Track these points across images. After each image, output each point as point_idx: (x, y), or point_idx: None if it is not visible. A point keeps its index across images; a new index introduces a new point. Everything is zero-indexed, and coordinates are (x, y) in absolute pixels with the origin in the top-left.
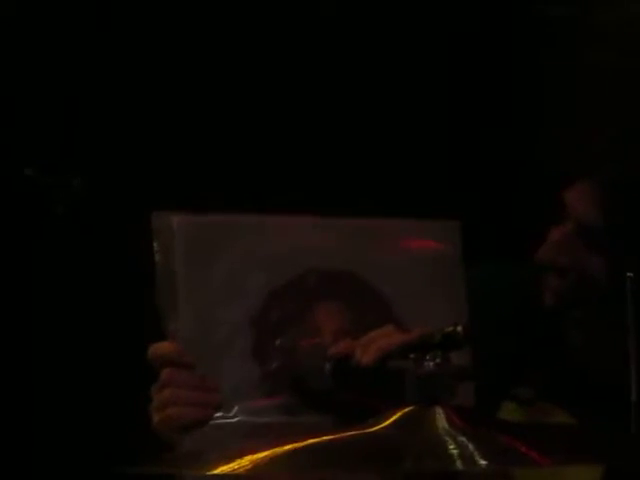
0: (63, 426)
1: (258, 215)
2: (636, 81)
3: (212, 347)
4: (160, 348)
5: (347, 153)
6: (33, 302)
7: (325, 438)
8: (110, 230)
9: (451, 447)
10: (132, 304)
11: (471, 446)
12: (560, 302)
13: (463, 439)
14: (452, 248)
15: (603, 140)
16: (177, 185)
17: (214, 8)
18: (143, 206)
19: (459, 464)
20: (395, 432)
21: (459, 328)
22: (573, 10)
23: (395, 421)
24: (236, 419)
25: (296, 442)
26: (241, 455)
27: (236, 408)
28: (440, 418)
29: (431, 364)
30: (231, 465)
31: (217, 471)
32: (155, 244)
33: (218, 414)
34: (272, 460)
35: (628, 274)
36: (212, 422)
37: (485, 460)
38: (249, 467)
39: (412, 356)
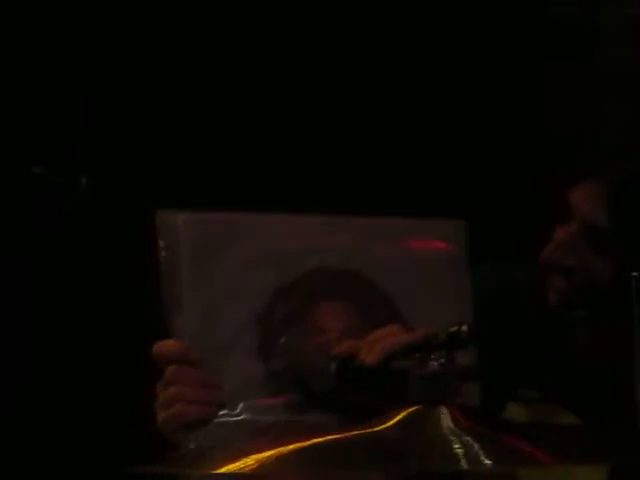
0: (67, 424)
1: (263, 214)
2: None
3: (217, 345)
4: (165, 346)
5: (353, 152)
6: (38, 301)
7: (330, 437)
8: (115, 228)
9: (456, 447)
10: (136, 302)
11: (476, 446)
12: (565, 302)
13: (468, 439)
14: (457, 248)
15: (609, 140)
16: (182, 183)
17: (219, 8)
18: (148, 204)
19: (464, 464)
20: (400, 432)
21: (464, 328)
22: (583, 10)
23: (400, 421)
24: (240, 417)
25: (301, 441)
26: (246, 454)
27: (241, 406)
28: (445, 418)
29: (436, 364)
30: (237, 464)
31: (223, 470)
32: (160, 242)
33: (223, 412)
34: (277, 459)
35: (633, 274)
36: (217, 420)
37: (490, 460)
38: (255, 466)
39: (417, 356)
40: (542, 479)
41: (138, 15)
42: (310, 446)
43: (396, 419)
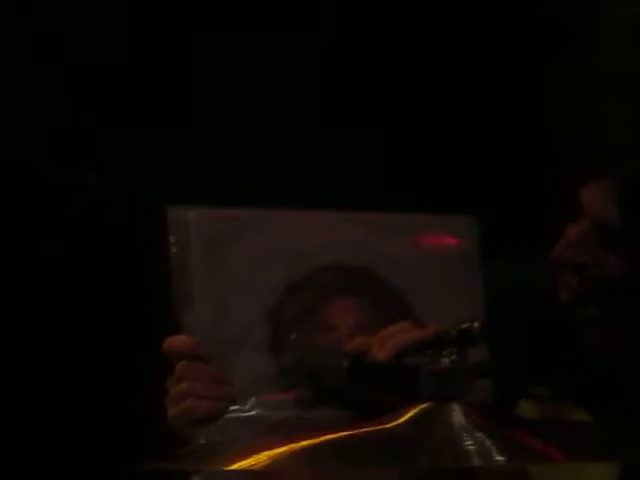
0: (78, 421)
1: (274, 210)
2: None
3: (228, 341)
4: (176, 341)
5: (364, 147)
6: (49, 298)
7: (342, 434)
8: (125, 225)
9: (468, 443)
10: (147, 298)
11: (488, 442)
12: (577, 299)
13: (480, 435)
14: (469, 244)
15: (620, 138)
16: (192, 180)
17: (225, 7)
18: (158, 201)
19: (476, 460)
20: (411, 428)
21: (475, 324)
22: (591, 9)
23: (411, 417)
24: (251, 413)
25: (313, 438)
26: (258, 451)
27: (251, 402)
28: (457, 414)
29: (447, 360)
30: (248, 461)
31: (234, 467)
32: (171, 238)
33: (233, 408)
34: (289, 456)
35: None
36: (227, 416)
37: (502, 457)
38: (266, 462)
39: (428, 352)
40: (554, 476)
41: (149, 10)
42: (322, 443)
43: (408, 416)
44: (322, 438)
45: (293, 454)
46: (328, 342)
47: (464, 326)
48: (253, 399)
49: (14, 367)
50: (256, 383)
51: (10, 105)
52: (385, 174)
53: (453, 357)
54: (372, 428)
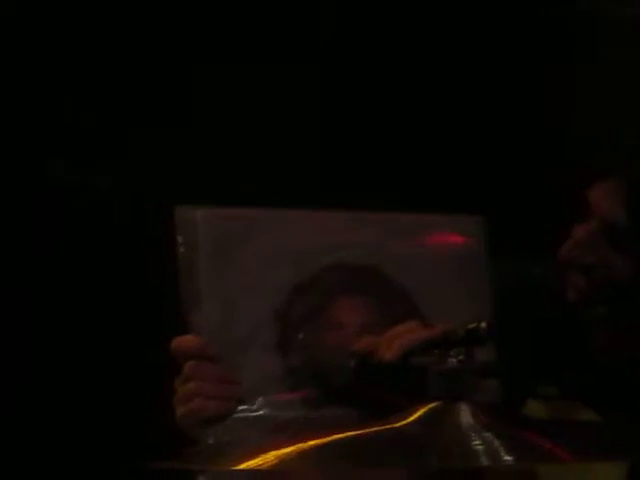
0: (86, 420)
1: (281, 210)
2: None
3: (236, 340)
4: (183, 341)
5: (371, 147)
6: (55, 298)
7: (350, 434)
8: (132, 225)
9: (476, 443)
10: (155, 298)
11: (496, 442)
12: (584, 299)
13: (488, 435)
14: (477, 244)
15: (629, 138)
16: (200, 179)
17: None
18: (166, 201)
19: (484, 460)
20: (419, 428)
21: (483, 324)
22: (603, 7)
23: (419, 417)
24: (259, 412)
25: (321, 437)
26: (266, 450)
27: (259, 401)
28: (465, 414)
29: (454, 360)
30: (256, 460)
31: (242, 466)
32: (179, 238)
33: (241, 407)
34: (297, 455)
35: None
36: (235, 415)
37: (510, 456)
38: (274, 462)
39: (435, 352)
40: (562, 476)
41: (157, 12)
42: (330, 442)
43: (415, 415)
44: (330, 438)
45: (301, 454)
46: (335, 342)
47: (471, 326)
48: (261, 399)
49: (22, 367)
50: (264, 383)
51: (12, 104)
52: (392, 174)
53: (460, 357)
54: (380, 428)
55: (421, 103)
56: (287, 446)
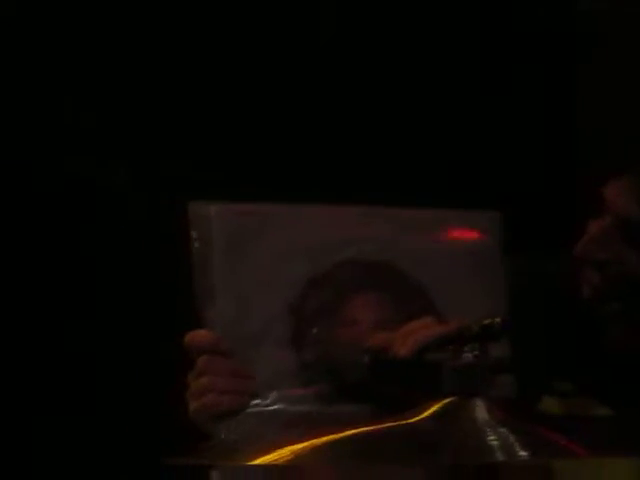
0: (98, 415)
1: (296, 205)
2: None
3: (249, 335)
4: (197, 336)
5: (387, 143)
6: (70, 295)
7: (364, 429)
8: (146, 220)
9: (491, 438)
10: (168, 293)
11: (511, 438)
12: (599, 295)
13: (503, 431)
14: (492, 239)
15: None
16: (213, 175)
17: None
18: (179, 196)
19: (499, 456)
20: (434, 424)
21: (497, 320)
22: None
23: (434, 413)
24: (272, 407)
25: (335, 433)
26: (280, 446)
27: (273, 396)
28: (480, 410)
29: (469, 356)
30: (271, 456)
31: (257, 462)
32: (193, 233)
33: (255, 402)
34: (312, 451)
35: None
36: (248, 410)
37: (525, 452)
38: (289, 458)
39: (450, 348)
40: (577, 471)
41: (172, 7)
42: (344, 438)
43: (430, 411)
44: (344, 433)
45: (315, 449)
46: (349, 337)
47: (486, 322)
48: (274, 393)
49: (35, 362)
50: (277, 378)
51: (25, 101)
52: (407, 169)
53: (475, 353)
54: (394, 424)
55: (438, 99)
56: (301, 441)
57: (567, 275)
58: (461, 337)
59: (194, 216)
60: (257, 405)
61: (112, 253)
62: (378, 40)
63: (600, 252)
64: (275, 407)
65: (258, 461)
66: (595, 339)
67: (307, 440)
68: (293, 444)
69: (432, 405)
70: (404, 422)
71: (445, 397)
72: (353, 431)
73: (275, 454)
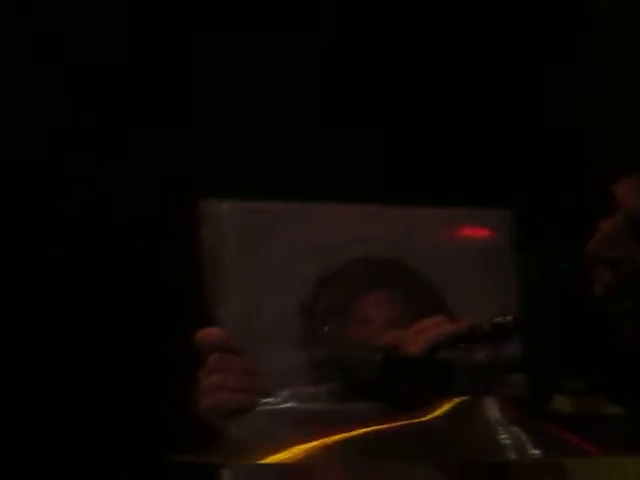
0: (109, 413)
1: (307, 203)
2: None
3: (261, 333)
4: (208, 334)
5: (397, 141)
6: (82, 294)
7: (375, 428)
8: (155, 218)
9: (503, 437)
10: (179, 290)
11: (523, 436)
12: (611, 294)
13: (515, 429)
14: (504, 237)
15: None
16: (226, 173)
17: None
18: (188, 194)
19: (511, 454)
20: (446, 422)
21: (509, 318)
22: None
23: (446, 411)
24: (283, 405)
25: (347, 431)
26: (292, 444)
27: (284, 394)
28: (491, 408)
29: (481, 355)
30: (282, 454)
31: (268, 460)
32: (204, 232)
33: (265, 400)
34: (323, 449)
35: None
36: (259, 408)
37: (538, 450)
38: (300, 456)
39: (462, 347)
40: (588, 470)
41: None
42: (356, 436)
43: (442, 410)
44: (356, 432)
45: (327, 448)
46: (361, 335)
47: (498, 320)
48: (286, 392)
49: (44, 358)
50: (289, 376)
51: (32, 102)
52: (420, 167)
53: (487, 351)
54: (406, 422)
55: (449, 96)
56: (312, 440)
57: (579, 273)
58: (473, 335)
59: (205, 214)
60: (268, 403)
61: (120, 251)
62: (388, 36)
63: (612, 250)
64: (286, 405)
65: (269, 460)
66: (607, 337)
67: (318, 439)
68: (304, 442)
69: (444, 403)
70: (416, 420)
71: (457, 395)
72: (364, 429)
73: (286, 452)
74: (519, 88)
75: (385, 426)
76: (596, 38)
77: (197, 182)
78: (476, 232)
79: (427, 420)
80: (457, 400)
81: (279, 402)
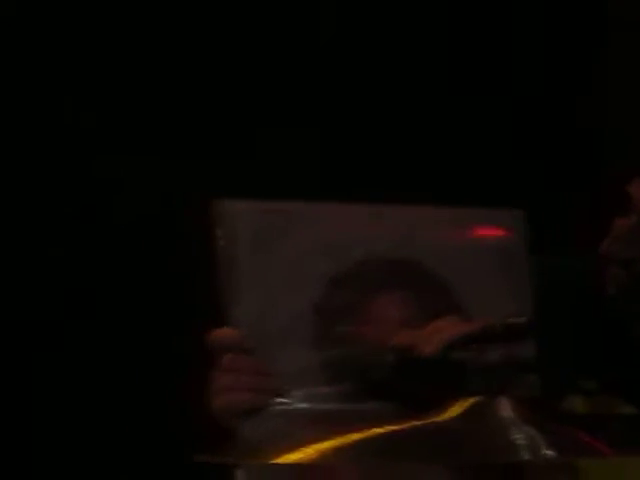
0: (123, 413)
1: (320, 203)
2: None
3: (274, 334)
4: (222, 334)
5: (410, 140)
6: (94, 295)
7: (389, 428)
8: (168, 219)
9: (516, 437)
10: (190, 290)
11: (537, 436)
12: (625, 294)
13: (529, 429)
14: (517, 238)
15: None
16: (239, 173)
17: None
18: (200, 194)
19: (525, 454)
20: (460, 423)
21: (522, 319)
22: None
23: (460, 412)
24: (297, 406)
25: (360, 432)
26: (305, 444)
27: (297, 394)
28: (505, 408)
29: (494, 355)
30: (296, 454)
31: (281, 461)
32: (218, 232)
33: (279, 400)
34: (337, 450)
35: None
36: (273, 408)
37: (551, 451)
38: (314, 456)
39: (475, 347)
40: (602, 470)
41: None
42: (369, 436)
43: (455, 410)
44: (369, 432)
45: (340, 448)
46: (374, 336)
47: (511, 321)
48: (299, 392)
49: (54, 356)
50: (302, 376)
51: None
52: (433, 167)
53: (500, 352)
54: (419, 422)
55: (461, 96)
56: (325, 440)
57: (593, 274)
58: (486, 336)
59: (219, 214)
60: (281, 403)
61: (133, 251)
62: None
63: (626, 250)
64: (299, 405)
65: (282, 460)
66: (621, 337)
67: (332, 439)
68: (317, 443)
69: (457, 404)
70: (429, 421)
71: (470, 396)
72: (378, 430)
73: (299, 453)
74: (533, 88)
75: (398, 426)
76: (611, 37)
77: (211, 182)
78: (490, 232)
79: (440, 420)
80: (471, 400)
81: (292, 402)
